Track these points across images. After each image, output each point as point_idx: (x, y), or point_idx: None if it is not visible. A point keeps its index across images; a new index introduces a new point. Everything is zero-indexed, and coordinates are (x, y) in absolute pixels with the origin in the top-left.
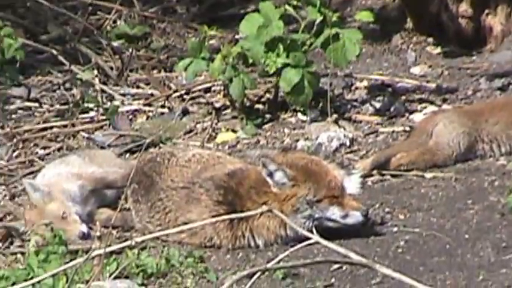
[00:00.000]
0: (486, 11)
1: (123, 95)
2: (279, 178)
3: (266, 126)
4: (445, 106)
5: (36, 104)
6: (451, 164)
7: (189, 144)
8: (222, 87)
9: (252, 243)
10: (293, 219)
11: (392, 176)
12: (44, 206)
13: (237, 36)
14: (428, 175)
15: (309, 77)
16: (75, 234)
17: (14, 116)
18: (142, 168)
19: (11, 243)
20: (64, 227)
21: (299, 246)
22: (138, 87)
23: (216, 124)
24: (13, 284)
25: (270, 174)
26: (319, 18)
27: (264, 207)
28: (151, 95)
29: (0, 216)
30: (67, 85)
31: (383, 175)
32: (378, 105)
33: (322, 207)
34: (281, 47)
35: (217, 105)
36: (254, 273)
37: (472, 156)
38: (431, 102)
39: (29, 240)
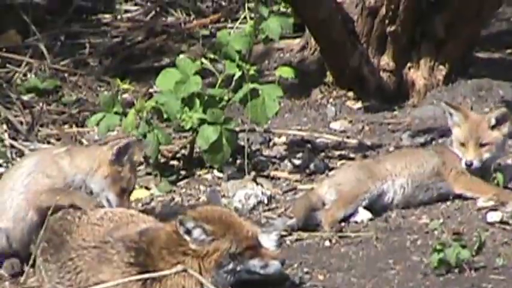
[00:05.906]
0: (408, 65)
1: (34, 150)
2: (197, 235)
3: (181, 183)
4: None
5: None
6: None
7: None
8: None
9: None
10: (216, 274)
11: (311, 234)
12: None
13: (151, 90)
14: (348, 234)
15: (227, 134)
16: None
17: None
18: (53, 227)
19: None
20: None
21: None
22: (48, 142)
23: None
24: None
25: (188, 232)
26: (238, 74)
27: (179, 267)
28: None
29: None
30: None
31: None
32: (296, 161)
33: (243, 260)
34: (198, 102)
35: None
36: None
37: None
38: (352, 159)
39: None
